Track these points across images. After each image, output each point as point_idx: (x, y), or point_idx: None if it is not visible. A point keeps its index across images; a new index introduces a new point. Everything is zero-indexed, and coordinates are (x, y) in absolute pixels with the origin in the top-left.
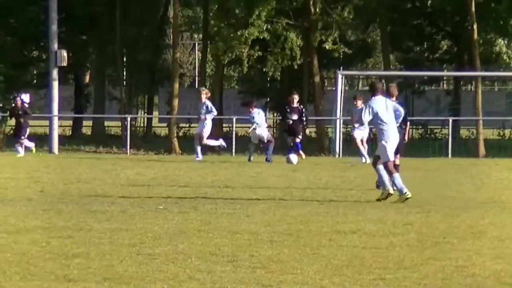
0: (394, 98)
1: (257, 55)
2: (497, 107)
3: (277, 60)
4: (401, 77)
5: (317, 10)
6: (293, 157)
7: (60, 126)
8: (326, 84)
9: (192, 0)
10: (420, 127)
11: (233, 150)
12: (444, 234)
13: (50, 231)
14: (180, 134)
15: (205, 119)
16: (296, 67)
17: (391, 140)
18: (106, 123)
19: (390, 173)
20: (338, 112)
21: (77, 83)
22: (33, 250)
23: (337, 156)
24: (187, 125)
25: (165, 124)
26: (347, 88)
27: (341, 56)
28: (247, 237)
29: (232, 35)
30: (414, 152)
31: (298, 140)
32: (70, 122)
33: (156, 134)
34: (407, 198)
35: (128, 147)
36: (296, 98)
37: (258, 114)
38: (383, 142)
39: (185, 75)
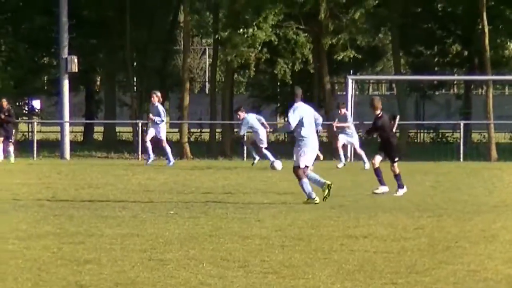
0: (378, 111)
1: (265, 58)
2: (508, 111)
3: (287, 64)
4: (410, 82)
5: (327, 14)
6: (278, 164)
7: (71, 132)
8: (336, 88)
9: (202, 5)
10: (431, 131)
11: (244, 155)
12: (456, 238)
13: (62, 237)
14: (192, 139)
15: (158, 122)
16: (312, 71)
17: (310, 147)
18: (117, 129)
19: (299, 178)
20: (349, 117)
21: (87, 89)
22: (45, 256)
23: (348, 160)
24: (199, 130)
25: (176, 130)
26: (357, 92)
27: (351, 61)
28: (258, 242)
29: (240, 39)
30: (425, 156)
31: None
32: (82, 128)
33: (167, 139)
34: (315, 203)
35: (140, 152)
36: None
37: (252, 119)
38: (302, 148)
39: (195, 80)
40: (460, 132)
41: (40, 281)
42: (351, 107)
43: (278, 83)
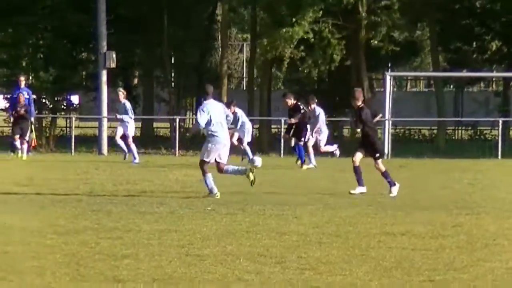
0: (359, 102)
1: (300, 55)
2: None
3: (316, 62)
4: (448, 78)
5: (365, 10)
6: (257, 159)
7: (109, 127)
8: (374, 85)
9: (240, 0)
10: (469, 128)
11: (281, 152)
12: (494, 236)
13: (100, 232)
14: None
15: (126, 121)
16: (347, 64)
17: (220, 144)
18: (155, 124)
19: (203, 172)
20: (387, 113)
21: (125, 84)
22: (83, 251)
23: (386, 157)
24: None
25: None
26: (395, 89)
27: (389, 55)
28: (295, 238)
29: (278, 34)
30: (463, 153)
31: (298, 142)
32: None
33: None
34: (216, 198)
35: (177, 148)
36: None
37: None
38: (211, 144)
39: (232, 76)
40: (498, 129)
41: (78, 275)
42: (389, 104)
43: (316, 79)
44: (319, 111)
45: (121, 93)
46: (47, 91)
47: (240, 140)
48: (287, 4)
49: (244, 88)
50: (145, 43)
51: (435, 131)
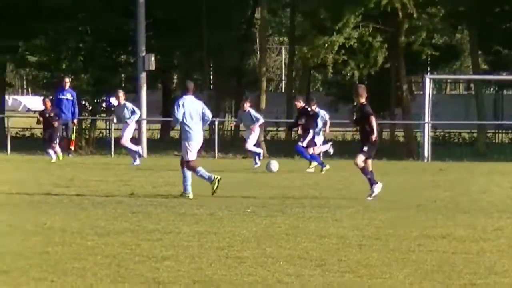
0: (363, 99)
1: (342, 59)
2: None
3: (359, 66)
4: (488, 81)
5: (405, 13)
6: (274, 165)
7: (148, 129)
8: (413, 88)
9: (279, 4)
10: (510, 131)
11: (321, 154)
12: None
13: (140, 234)
14: (268, 137)
15: (128, 122)
16: (385, 66)
17: (195, 141)
18: None
19: (194, 170)
20: (427, 116)
21: (164, 87)
22: (123, 252)
23: (425, 160)
24: (275, 128)
25: None
26: (434, 92)
27: (428, 60)
28: (335, 241)
29: (317, 41)
30: (504, 157)
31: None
32: (159, 126)
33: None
34: (216, 186)
35: (216, 150)
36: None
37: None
38: (187, 142)
39: (271, 79)
40: None
41: (118, 277)
42: (429, 107)
43: (357, 82)
44: (321, 113)
45: (121, 95)
46: (87, 94)
47: (244, 141)
48: (326, 8)
49: (283, 91)
50: (184, 46)
51: (475, 134)
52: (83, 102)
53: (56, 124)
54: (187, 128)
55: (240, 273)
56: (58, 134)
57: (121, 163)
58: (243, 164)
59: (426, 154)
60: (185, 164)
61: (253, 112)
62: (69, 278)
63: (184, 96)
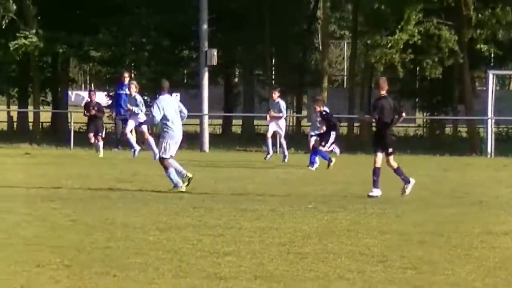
0: (383, 92)
1: (409, 58)
2: None
3: (433, 61)
4: None
5: (470, 8)
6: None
7: (210, 124)
8: (476, 83)
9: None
10: None
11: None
12: None
13: (201, 229)
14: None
15: (137, 112)
16: (452, 65)
17: (175, 139)
18: (255, 122)
19: (165, 168)
20: (490, 112)
21: (226, 82)
22: (185, 247)
23: (489, 156)
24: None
25: None
26: (497, 87)
27: (492, 56)
28: (397, 237)
29: (381, 41)
30: None
31: (321, 148)
32: (220, 121)
33: (305, 133)
34: (181, 191)
35: (278, 146)
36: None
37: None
38: (166, 140)
39: (334, 74)
40: None
41: (180, 272)
42: (492, 102)
43: (417, 78)
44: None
45: (134, 86)
46: (149, 89)
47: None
48: (387, 5)
49: (345, 86)
50: (246, 41)
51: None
52: (145, 97)
53: (99, 116)
54: (167, 127)
55: (301, 269)
56: (103, 127)
57: (184, 158)
58: (306, 159)
59: (489, 150)
60: (160, 160)
61: (282, 103)
62: (131, 273)
63: (160, 96)
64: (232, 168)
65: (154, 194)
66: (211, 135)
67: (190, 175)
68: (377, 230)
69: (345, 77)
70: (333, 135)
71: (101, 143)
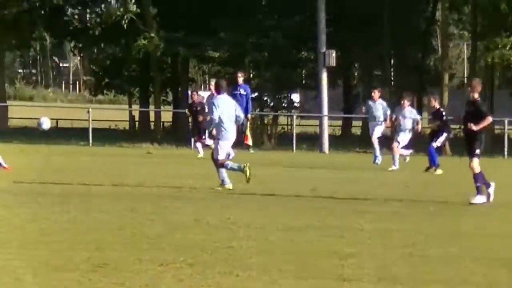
0: (476, 95)
1: None
2: None
3: None
4: None
5: None
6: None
7: (329, 126)
8: None
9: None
10: None
11: (505, 154)
12: None
13: (322, 230)
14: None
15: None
16: None
17: (229, 140)
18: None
19: (220, 167)
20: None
21: (345, 83)
22: (306, 248)
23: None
24: (457, 126)
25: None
26: None
27: None
28: None
29: (502, 42)
30: None
31: (433, 144)
32: (340, 122)
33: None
34: (249, 174)
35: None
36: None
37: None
38: (221, 141)
39: (454, 75)
40: None
41: (302, 273)
42: None
43: None
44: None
45: (213, 88)
46: (268, 89)
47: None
48: (507, 2)
49: (465, 87)
50: (365, 41)
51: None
52: (265, 98)
53: (201, 118)
54: (224, 128)
55: (425, 272)
56: (204, 128)
57: (302, 159)
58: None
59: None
60: (215, 161)
61: (384, 104)
62: (254, 273)
63: (218, 96)
64: (353, 169)
65: (273, 195)
66: (331, 137)
67: (244, 164)
68: (503, 234)
69: (465, 77)
70: (445, 134)
71: (199, 144)
